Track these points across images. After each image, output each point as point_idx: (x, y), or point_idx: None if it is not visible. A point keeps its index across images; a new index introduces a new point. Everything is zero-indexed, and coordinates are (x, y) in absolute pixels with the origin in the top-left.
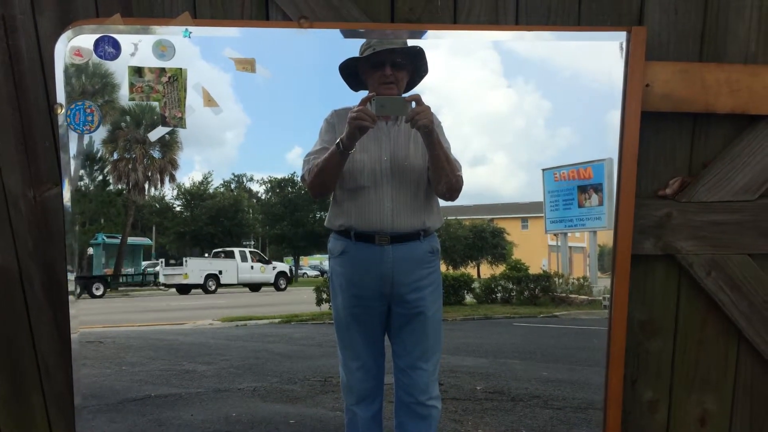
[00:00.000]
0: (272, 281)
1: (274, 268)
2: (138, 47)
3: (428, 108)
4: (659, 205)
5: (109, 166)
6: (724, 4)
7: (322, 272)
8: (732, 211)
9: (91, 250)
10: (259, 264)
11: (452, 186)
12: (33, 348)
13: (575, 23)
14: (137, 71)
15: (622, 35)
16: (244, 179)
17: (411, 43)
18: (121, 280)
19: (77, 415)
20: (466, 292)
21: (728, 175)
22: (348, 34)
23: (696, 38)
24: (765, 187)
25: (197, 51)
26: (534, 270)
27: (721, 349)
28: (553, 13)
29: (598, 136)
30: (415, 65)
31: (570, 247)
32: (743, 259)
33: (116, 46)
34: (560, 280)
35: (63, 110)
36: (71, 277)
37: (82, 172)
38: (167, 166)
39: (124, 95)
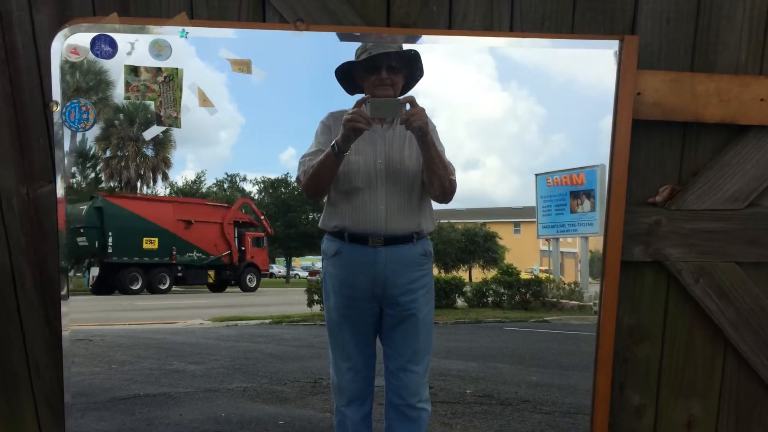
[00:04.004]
0: None
1: None
2: (134, 46)
3: (422, 110)
4: (649, 212)
5: (101, 164)
6: (715, 14)
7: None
8: (720, 219)
9: None
10: None
11: (446, 189)
12: (24, 345)
13: (569, 31)
14: (133, 70)
15: (614, 44)
16: (237, 179)
17: (406, 46)
18: None
19: (67, 413)
20: (457, 295)
21: (717, 183)
22: (344, 37)
23: (687, 48)
24: (753, 196)
25: (193, 51)
26: (525, 274)
27: (707, 355)
28: (547, 20)
29: (591, 143)
30: (411, 68)
31: (562, 252)
32: (731, 266)
33: (113, 44)
34: (551, 285)
35: (58, 108)
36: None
37: (74, 169)
38: (160, 165)
39: (118, 93)
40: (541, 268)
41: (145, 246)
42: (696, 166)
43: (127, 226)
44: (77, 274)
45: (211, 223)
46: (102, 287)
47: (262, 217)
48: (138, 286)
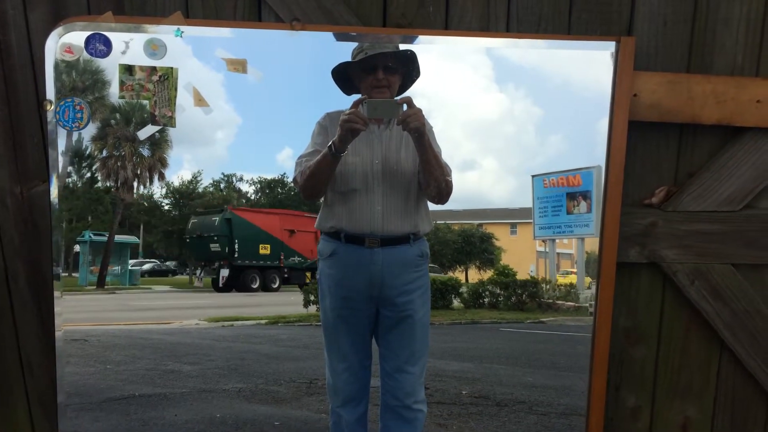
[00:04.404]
0: None
1: None
2: (129, 45)
3: (419, 110)
4: (645, 214)
5: (97, 164)
6: (712, 16)
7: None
8: (716, 221)
9: (77, 248)
10: None
11: (442, 190)
12: (17, 345)
13: (565, 32)
14: (128, 69)
15: (611, 45)
16: (234, 179)
17: (403, 47)
18: None
19: (60, 414)
20: (453, 296)
21: (713, 185)
22: (340, 37)
23: (684, 49)
24: (749, 198)
25: (189, 50)
26: (522, 275)
27: (703, 357)
28: (543, 21)
29: (588, 144)
30: (408, 69)
31: (558, 254)
32: (727, 268)
33: (107, 43)
34: (547, 286)
35: (52, 107)
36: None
37: (70, 168)
38: (156, 164)
39: (114, 92)
40: (572, 270)
41: (261, 251)
42: (692, 168)
43: (248, 235)
44: (199, 275)
45: (308, 232)
46: (226, 286)
47: None
48: (256, 285)
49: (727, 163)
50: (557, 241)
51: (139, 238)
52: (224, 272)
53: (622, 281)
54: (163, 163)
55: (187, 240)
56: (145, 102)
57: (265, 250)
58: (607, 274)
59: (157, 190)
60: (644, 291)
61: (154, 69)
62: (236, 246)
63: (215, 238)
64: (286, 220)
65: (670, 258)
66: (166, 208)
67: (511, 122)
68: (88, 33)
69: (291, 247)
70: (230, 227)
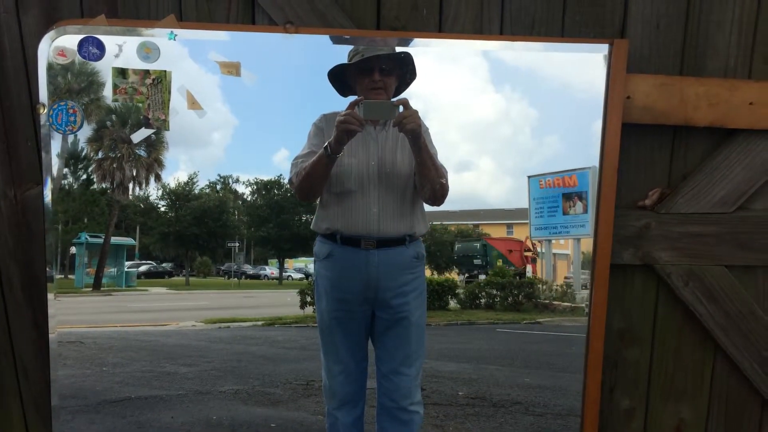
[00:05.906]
0: None
1: None
2: (122, 48)
3: (416, 112)
4: (638, 216)
5: (93, 165)
6: (704, 18)
7: (307, 275)
8: (710, 223)
9: (73, 249)
10: None
11: (436, 192)
12: (11, 348)
13: (559, 34)
14: (121, 73)
15: (604, 47)
16: (230, 180)
17: (398, 49)
18: None
19: (54, 416)
20: (450, 297)
21: (706, 187)
22: (337, 40)
23: (677, 52)
24: (742, 199)
25: (185, 52)
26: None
27: (697, 359)
28: (537, 23)
29: (583, 145)
30: (404, 71)
31: (554, 254)
32: (720, 270)
33: (100, 46)
34: (544, 287)
35: (45, 110)
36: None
37: (66, 170)
38: (153, 166)
39: (109, 94)
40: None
41: (497, 264)
42: (685, 170)
43: (492, 254)
44: (461, 279)
45: (516, 251)
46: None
47: (533, 244)
48: None
49: (720, 165)
50: (553, 241)
51: (135, 240)
52: (482, 276)
53: (616, 283)
54: (160, 165)
55: (455, 258)
56: (140, 105)
57: (499, 263)
58: (600, 276)
59: (153, 192)
60: (638, 293)
61: (147, 72)
62: (487, 260)
63: (477, 257)
64: (506, 243)
65: (663, 260)
66: (163, 209)
67: (507, 123)
68: (82, 36)
69: (510, 260)
70: (485, 250)
